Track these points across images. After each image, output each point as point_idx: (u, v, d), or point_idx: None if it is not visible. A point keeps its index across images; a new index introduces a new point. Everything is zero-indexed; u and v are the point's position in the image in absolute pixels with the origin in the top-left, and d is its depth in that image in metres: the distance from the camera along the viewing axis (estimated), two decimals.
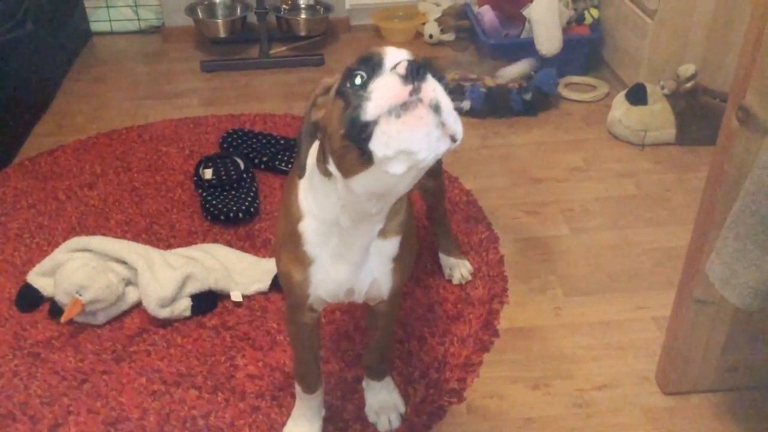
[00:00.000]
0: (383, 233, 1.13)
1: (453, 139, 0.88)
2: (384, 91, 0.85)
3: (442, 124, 0.86)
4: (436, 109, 0.85)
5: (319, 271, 1.16)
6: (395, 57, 0.91)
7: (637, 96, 2.38)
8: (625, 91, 2.45)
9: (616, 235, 2.00)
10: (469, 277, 1.84)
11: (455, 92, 2.59)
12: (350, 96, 0.91)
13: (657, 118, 2.36)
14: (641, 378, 1.57)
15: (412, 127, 0.84)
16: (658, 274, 1.86)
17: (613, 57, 2.75)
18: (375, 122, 0.85)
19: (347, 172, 0.94)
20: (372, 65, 0.91)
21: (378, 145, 0.85)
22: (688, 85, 2.34)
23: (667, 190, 2.19)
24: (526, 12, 2.70)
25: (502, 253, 1.94)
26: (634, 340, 1.66)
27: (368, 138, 0.86)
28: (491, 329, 1.70)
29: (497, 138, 2.49)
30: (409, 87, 0.84)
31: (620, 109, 2.41)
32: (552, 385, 1.56)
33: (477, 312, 1.74)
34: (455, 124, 0.88)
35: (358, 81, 0.91)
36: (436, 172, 1.72)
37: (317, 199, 1.09)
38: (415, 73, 0.84)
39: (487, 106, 2.57)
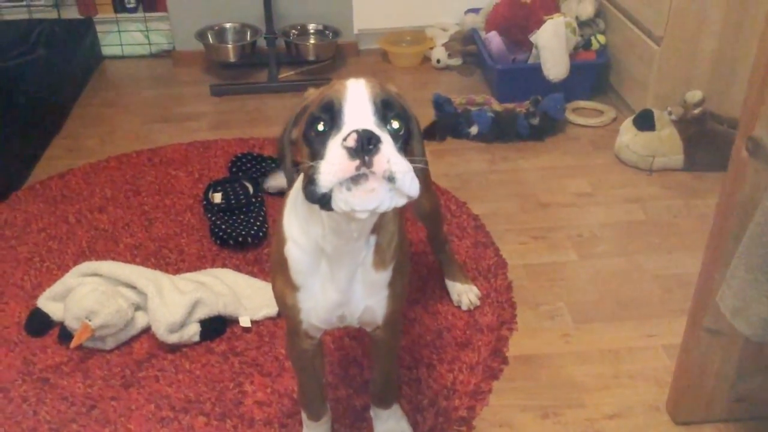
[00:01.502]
0: (381, 264, 1.13)
1: (410, 197, 0.93)
2: (333, 166, 0.89)
3: (397, 189, 0.91)
4: (390, 179, 0.89)
5: (307, 297, 1.16)
6: (354, 105, 0.94)
7: (645, 121, 2.39)
8: (632, 117, 2.45)
9: (625, 262, 2.00)
10: (478, 303, 1.84)
11: (462, 117, 2.61)
12: (313, 143, 0.95)
13: (665, 143, 2.36)
14: (652, 408, 1.56)
15: (363, 198, 0.90)
16: (667, 302, 1.85)
17: (620, 82, 2.77)
18: (330, 191, 0.91)
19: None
20: (332, 113, 0.94)
21: (337, 205, 0.91)
22: (696, 111, 2.35)
23: (675, 216, 2.19)
24: (533, 38, 2.73)
25: (511, 279, 1.94)
26: (644, 369, 1.65)
27: (327, 202, 0.92)
28: (500, 356, 1.69)
29: (505, 163, 2.50)
30: (357, 162, 0.88)
31: (628, 134, 2.41)
32: (562, 414, 1.55)
33: (486, 339, 1.74)
34: (410, 188, 0.92)
35: (320, 128, 0.94)
36: (426, 189, 1.69)
37: (300, 223, 1.11)
38: (365, 146, 0.88)
39: (495, 131, 2.59)
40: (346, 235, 1.05)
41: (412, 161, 0.94)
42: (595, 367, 1.66)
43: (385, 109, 0.94)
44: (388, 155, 0.89)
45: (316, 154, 0.93)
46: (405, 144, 0.97)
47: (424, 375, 1.64)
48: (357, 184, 0.89)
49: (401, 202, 0.93)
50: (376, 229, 1.09)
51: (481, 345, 1.72)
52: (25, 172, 2.47)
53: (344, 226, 1.03)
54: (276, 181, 2.32)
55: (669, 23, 2.39)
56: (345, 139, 0.89)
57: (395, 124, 0.95)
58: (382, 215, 1.06)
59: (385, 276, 1.15)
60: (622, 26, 2.70)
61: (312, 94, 1.04)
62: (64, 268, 1.95)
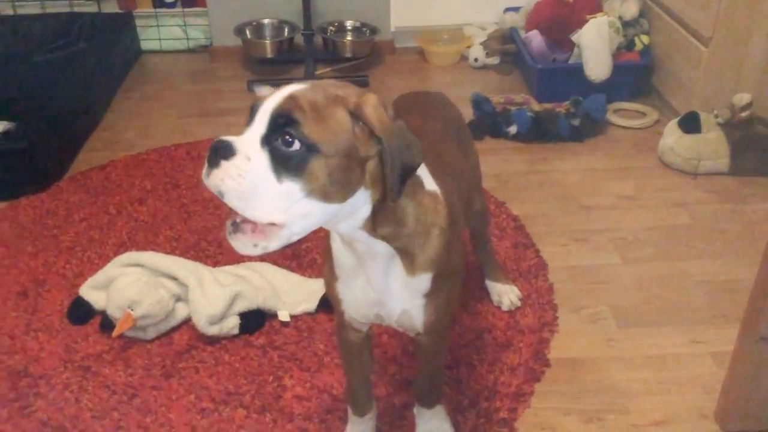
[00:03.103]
0: (410, 269, 1.11)
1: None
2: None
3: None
4: (219, 193, 0.92)
5: (347, 290, 1.17)
6: (260, 113, 0.93)
7: (691, 124, 2.34)
8: (677, 119, 2.41)
9: (669, 266, 1.96)
10: (519, 304, 1.81)
11: (501, 116, 2.58)
12: None
13: (710, 147, 2.31)
14: (699, 415, 1.52)
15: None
16: (713, 308, 1.81)
17: (664, 84, 2.72)
18: None
19: None
20: (251, 114, 0.96)
21: None
22: (744, 114, 2.30)
23: (721, 221, 2.14)
24: (575, 37, 2.69)
25: (552, 281, 1.91)
26: (691, 376, 1.61)
27: None
28: (542, 359, 1.67)
29: (544, 163, 2.46)
30: (204, 170, 0.93)
31: (672, 136, 2.37)
32: (606, 419, 1.52)
33: (527, 340, 1.71)
34: (240, 208, 0.93)
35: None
36: (477, 190, 1.68)
37: None
38: (211, 157, 0.92)
39: (534, 131, 2.56)
40: (343, 236, 1.08)
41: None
42: (639, 373, 1.63)
43: (280, 124, 0.92)
44: (226, 173, 0.91)
45: None
46: (302, 162, 0.92)
47: (465, 375, 1.62)
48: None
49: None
50: (387, 237, 1.06)
51: (522, 346, 1.69)
52: (66, 163, 2.49)
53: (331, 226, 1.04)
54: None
55: (717, 24, 2.34)
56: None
57: (286, 140, 0.91)
58: (381, 222, 1.03)
59: (419, 283, 1.13)
60: (668, 27, 2.66)
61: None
62: (105, 258, 1.97)
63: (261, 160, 0.91)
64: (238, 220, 0.95)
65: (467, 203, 1.46)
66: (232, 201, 0.92)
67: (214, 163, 0.91)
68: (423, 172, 1.09)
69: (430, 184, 1.11)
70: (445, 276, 1.15)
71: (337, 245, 1.14)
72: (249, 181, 0.90)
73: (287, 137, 0.91)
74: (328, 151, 0.93)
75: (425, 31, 3.31)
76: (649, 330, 1.75)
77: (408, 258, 1.10)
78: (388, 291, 1.13)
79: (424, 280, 1.13)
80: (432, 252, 1.11)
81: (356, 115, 0.95)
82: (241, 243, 0.96)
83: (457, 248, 1.19)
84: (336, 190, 0.95)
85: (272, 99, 0.94)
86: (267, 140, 0.92)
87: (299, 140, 0.91)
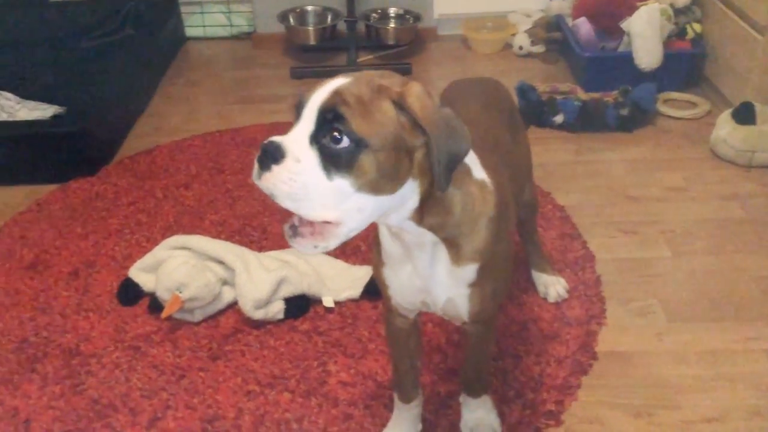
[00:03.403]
0: (456, 259, 1.10)
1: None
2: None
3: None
4: (272, 196, 0.93)
5: (393, 276, 1.17)
6: (306, 110, 0.94)
7: (745, 115, 2.27)
8: (731, 110, 2.34)
9: (721, 260, 1.91)
10: (566, 296, 1.79)
11: (547, 105, 2.54)
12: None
13: (765, 138, 2.24)
14: (752, 413, 1.48)
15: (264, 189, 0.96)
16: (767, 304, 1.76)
17: (717, 74, 2.64)
18: None
19: None
20: (297, 111, 0.97)
21: None
22: None
23: None
24: (624, 25, 2.63)
25: (599, 273, 1.87)
26: (744, 373, 1.57)
27: None
28: (589, 351, 1.64)
29: (591, 153, 2.42)
30: (255, 171, 0.94)
31: (725, 128, 2.30)
32: (656, 414, 1.49)
33: (574, 333, 1.69)
34: (293, 207, 0.94)
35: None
36: (528, 179, 1.65)
37: None
38: (262, 160, 0.92)
39: (581, 120, 2.51)
40: (391, 227, 1.08)
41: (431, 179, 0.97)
42: (691, 368, 1.59)
43: (328, 120, 0.92)
44: (278, 177, 0.91)
45: None
46: (351, 158, 0.92)
47: (510, 366, 1.60)
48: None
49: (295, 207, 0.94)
50: (435, 227, 1.05)
51: (569, 338, 1.67)
52: (114, 148, 2.53)
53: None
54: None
55: None
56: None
57: (335, 136, 0.92)
58: (428, 212, 1.03)
59: (464, 273, 1.12)
60: (721, 15, 2.58)
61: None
62: (153, 241, 2.00)
63: (310, 159, 0.92)
64: (295, 222, 0.97)
65: (521, 191, 1.44)
66: (285, 203, 0.93)
67: (265, 166, 0.92)
68: (472, 160, 1.08)
69: (479, 172, 1.09)
70: (492, 266, 1.14)
71: (384, 233, 1.14)
72: (300, 182, 0.91)
73: (335, 134, 0.91)
74: (376, 145, 0.93)
75: (469, 18, 3.27)
76: (701, 325, 1.71)
77: (454, 248, 1.09)
78: (434, 279, 1.13)
79: (469, 271, 1.12)
80: (478, 242, 1.09)
81: (400, 105, 0.94)
82: (301, 246, 0.97)
83: (505, 238, 1.17)
84: (386, 182, 0.95)
85: (317, 95, 0.94)
86: (315, 138, 0.92)
87: (347, 136, 0.91)
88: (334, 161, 0.92)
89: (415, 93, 0.95)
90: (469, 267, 1.11)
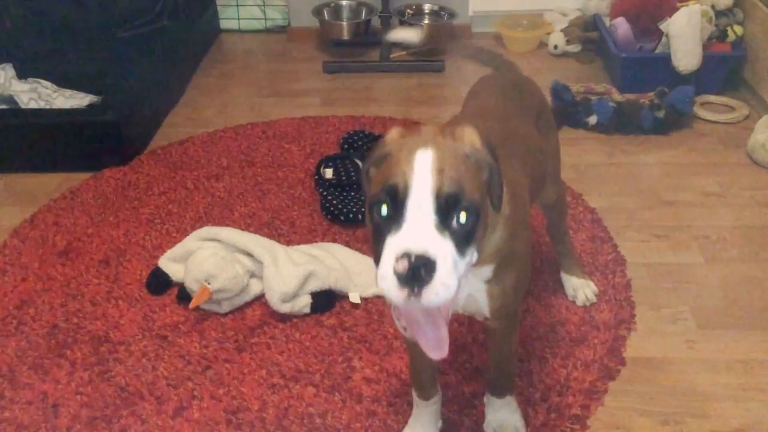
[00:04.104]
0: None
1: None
2: (385, 280, 0.91)
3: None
4: (433, 309, 0.94)
5: None
6: (416, 201, 0.92)
7: None
8: None
9: (756, 268, 1.87)
10: (594, 300, 1.76)
11: (581, 106, 2.51)
12: (376, 223, 0.96)
13: None
14: None
15: (407, 325, 0.99)
16: None
17: (757, 78, 2.58)
18: None
19: None
20: (395, 202, 0.93)
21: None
22: None
23: None
24: (664, 26, 2.58)
25: (630, 277, 1.84)
26: None
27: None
28: (617, 356, 1.62)
29: (624, 156, 2.38)
30: (405, 291, 0.89)
31: (764, 133, 2.25)
32: (684, 422, 1.46)
33: (602, 337, 1.66)
34: (448, 315, 0.98)
35: (383, 212, 0.94)
36: (554, 179, 1.64)
37: None
38: (415, 277, 0.88)
39: (615, 122, 2.47)
40: None
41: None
42: (721, 377, 1.56)
43: (450, 204, 0.92)
44: (438, 286, 0.89)
45: (378, 238, 0.95)
46: (473, 229, 0.95)
47: (537, 368, 1.59)
48: (404, 314, 0.98)
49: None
50: None
51: (597, 343, 1.65)
52: (148, 137, 2.56)
53: None
54: (400, 33, 2.15)
55: None
56: (398, 260, 0.89)
57: (462, 219, 0.93)
58: None
59: (481, 272, 1.13)
60: (764, 17, 2.52)
61: (394, 139, 1.02)
62: (183, 232, 2.02)
63: (450, 250, 0.92)
64: (403, 325, 1.01)
65: (539, 187, 1.43)
66: (446, 305, 0.96)
67: (425, 281, 0.89)
68: None
69: None
70: (510, 263, 1.15)
71: None
72: (456, 279, 0.92)
73: (461, 217, 0.93)
74: (482, 204, 0.98)
75: (504, 15, 3.24)
76: (732, 333, 1.67)
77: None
78: None
79: (486, 270, 1.13)
80: (496, 241, 1.11)
81: (470, 155, 0.99)
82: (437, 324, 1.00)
83: (521, 235, 1.18)
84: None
85: (422, 180, 0.92)
86: (442, 226, 0.92)
87: (469, 212, 0.94)
88: (464, 240, 0.94)
89: (470, 133, 1.00)
90: (485, 267, 1.12)
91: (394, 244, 0.91)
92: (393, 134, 1.03)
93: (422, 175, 0.93)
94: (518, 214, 1.15)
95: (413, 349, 1.34)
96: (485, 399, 1.45)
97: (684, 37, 2.51)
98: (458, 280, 0.93)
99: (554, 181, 1.63)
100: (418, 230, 0.91)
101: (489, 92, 1.49)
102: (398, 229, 0.92)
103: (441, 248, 0.91)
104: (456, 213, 0.93)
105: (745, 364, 1.59)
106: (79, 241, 2.03)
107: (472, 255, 0.98)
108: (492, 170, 1.00)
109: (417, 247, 0.89)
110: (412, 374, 1.39)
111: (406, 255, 0.89)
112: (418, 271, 0.89)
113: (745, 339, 1.65)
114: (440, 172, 0.93)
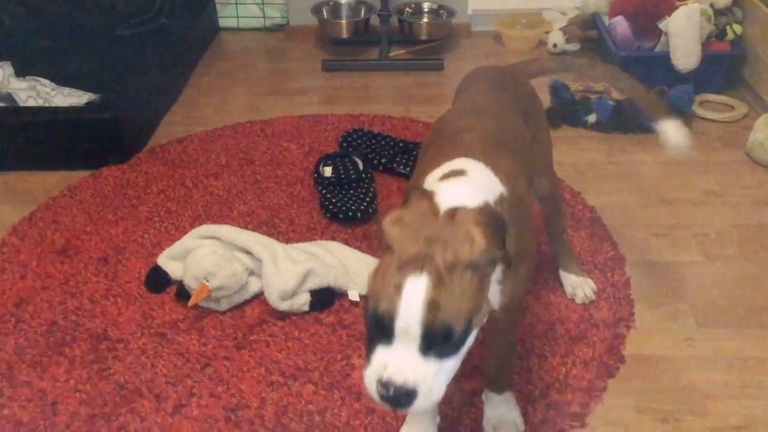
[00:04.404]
0: None
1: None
2: (371, 386, 0.97)
3: None
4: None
5: None
6: (407, 321, 0.92)
7: None
8: None
9: (756, 267, 1.87)
10: (593, 297, 1.76)
11: (580, 104, 2.51)
12: (368, 326, 0.99)
13: None
14: None
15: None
16: None
17: (756, 77, 2.58)
18: None
19: None
20: (384, 330, 0.95)
21: None
22: None
23: None
24: (662, 24, 2.58)
25: (629, 275, 1.85)
26: None
27: None
28: (617, 354, 1.62)
29: (623, 154, 2.38)
30: (389, 408, 0.96)
31: (763, 131, 2.25)
32: (683, 420, 1.46)
33: (601, 335, 1.66)
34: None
35: (373, 324, 0.97)
36: (547, 170, 1.64)
37: None
38: (396, 402, 0.94)
39: (614, 121, 2.47)
40: None
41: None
42: (720, 375, 1.56)
43: (440, 336, 0.94)
44: (418, 406, 0.95)
45: (370, 335, 0.99)
46: (461, 344, 0.98)
47: (536, 366, 1.59)
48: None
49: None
50: None
51: (596, 340, 1.65)
52: (146, 136, 2.56)
53: None
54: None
55: None
56: (380, 383, 0.94)
57: (449, 345, 0.96)
58: None
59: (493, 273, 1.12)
60: (763, 17, 2.52)
61: (391, 234, 0.99)
62: (182, 230, 2.01)
63: (432, 372, 0.95)
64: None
65: (535, 184, 1.44)
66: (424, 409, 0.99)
67: (405, 405, 0.95)
68: (488, 174, 1.13)
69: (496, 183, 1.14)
70: (520, 261, 1.16)
71: None
72: (440, 392, 0.97)
73: (448, 343, 0.95)
74: (476, 318, 0.98)
75: (503, 14, 3.24)
76: (732, 331, 1.67)
77: None
78: None
79: (497, 272, 1.12)
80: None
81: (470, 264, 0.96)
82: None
83: (528, 233, 1.19)
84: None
85: (413, 312, 0.92)
86: (427, 350, 0.94)
87: (456, 336, 0.95)
88: (447, 355, 0.96)
89: (480, 244, 0.96)
90: (497, 269, 1.11)
91: (380, 361, 0.95)
92: (389, 222, 1.00)
93: (413, 306, 0.93)
94: (522, 213, 1.15)
95: None
96: (484, 396, 1.45)
97: (683, 36, 2.51)
98: (446, 383, 0.98)
99: (547, 171, 1.63)
100: (402, 357, 0.94)
101: (479, 86, 1.49)
102: (387, 344, 0.95)
103: (424, 374, 0.94)
104: (441, 343, 0.95)
105: (745, 362, 1.59)
106: (78, 239, 2.03)
107: (459, 362, 1.00)
108: (499, 256, 1.00)
109: (398, 378, 0.94)
110: None
111: (388, 384, 0.94)
112: (397, 399, 0.94)
113: (745, 337, 1.66)
114: (433, 306, 0.92)
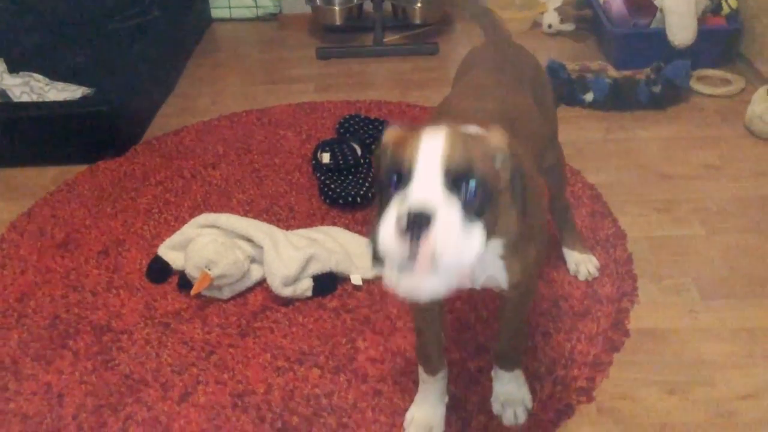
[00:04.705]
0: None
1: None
2: (386, 238, 0.93)
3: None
4: (434, 262, 0.91)
5: None
6: (428, 159, 0.94)
7: None
8: (766, 86, 2.28)
9: (757, 238, 1.87)
10: (596, 274, 1.76)
11: (577, 83, 2.50)
12: (383, 190, 0.99)
13: None
14: None
15: (408, 289, 0.94)
16: None
17: (753, 50, 2.57)
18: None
19: None
20: (403, 172, 0.95)
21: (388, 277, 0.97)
22: None
23: None
24: (657, 1, 2.57)
25: (631, 251, 1.84)
26: None
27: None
28: (621, 329, 1.62)
29: (622, 131, 2.37)
30: (405, 244, 0.91)
31: (761, 104, 2.24)
32: (690, 391, 1.46)
33: (605, 310, 1.66)
34: (456, 265, 0.94)
35: (394, 179, 0.97)
36: (552, 142, 1.62)
37: None
38: (414, 229, 0.90)
39: (612, 98, 2.46)
40: None
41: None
42: (725, 346, 1.56)
43: (459, 172, 0.94)
44: (437, 238, 0.90)
45: (384, 202, 0.97)
46: (487, 201, 0.97)
47: (541, 343, 1.58)
48: (405, 270, 0.93)
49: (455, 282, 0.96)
50: None
51: (600, 316, 1.65)
52: (142, 129, 2.55)
53: None
54: None
55: None
56: (399, 218, 0.91)
57: (472, 186, 0.94)
58: None
59: (493, 245, 1.12)
60: None
61: (391, 136, 1.03)
62: (181, 220, 2.00)
63: (455, 209, 0.93)
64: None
65: (538, 156, 1.42)
66: (448, 265, 0.93)
67: (423, 233, 0.91)
68: None
69: None
70: (528, 238, 1.15)
71: None
72: (460, 241, 0.93)
73: (470, 186, 0.95)
74: (495, 188, 0.99)
75: None
76: (735, 303, 1.67)
77: None
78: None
79: (497, 245, 1.13)
80: (509, 226, 1.10)
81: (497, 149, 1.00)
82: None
83: (536, 210, 1.17)
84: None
85: (433, 149, 0.94)
86: (449, 188, 0.94)
87: (477, 182, 0.95)
88: (474, 210, 0.95)
89: (497, 136, 1.01)
90: (495, 242, 1.12)
91: (398, 206, 0.93)
92: (390, 132, 1.04)
93: (433, 145, 0.95)
94: (530, 193, 1.14)
95: (420, 322, 1.33)
96: (493, 373, 1.45)
97: (679, 12, 2.50)
98: (469, 249, 0.94)
99: (552, 144, 1.61)
100: (423, 188, 0.93)
101: (481, 66, 1.47)
102: (404, 192, 0.94)
103: (444, 203, 0.92)
104: (465, 181, 0.93)
105: (750, 333, 1.59)
106: (78, 232, 2.02)
107: (483, 235, 0.97)
108: (515, 174, 1.01)
109: (417, 201, 0.92)
110: (419, 349, 1.38)
111: (406, 213, 0.91)
112: (415, 224, 0.90)
113: (748, 308, 1.65)
114: (452, 145, 0.95)
